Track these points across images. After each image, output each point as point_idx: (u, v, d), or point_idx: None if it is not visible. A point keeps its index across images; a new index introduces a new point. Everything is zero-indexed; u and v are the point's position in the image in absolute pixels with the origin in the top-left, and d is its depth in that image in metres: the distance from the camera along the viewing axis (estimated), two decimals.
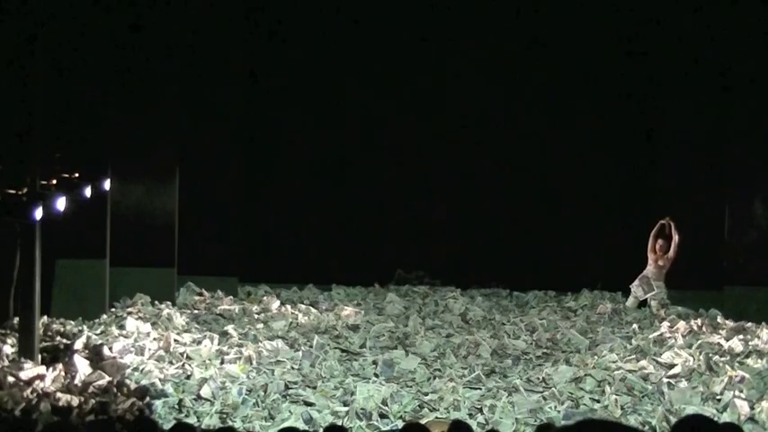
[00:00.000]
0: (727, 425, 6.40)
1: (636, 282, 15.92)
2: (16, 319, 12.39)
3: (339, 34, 17.61)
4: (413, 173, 17.88)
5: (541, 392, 11.29)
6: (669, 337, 13.44)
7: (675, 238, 15.77)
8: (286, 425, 9.95)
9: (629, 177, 17.68)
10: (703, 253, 16.19)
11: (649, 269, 15.91)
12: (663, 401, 11.07)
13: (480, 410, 10.83)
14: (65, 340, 12.62)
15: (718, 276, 16.01)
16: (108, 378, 10.99)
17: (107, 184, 14.41)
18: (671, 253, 15.84)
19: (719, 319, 14.72)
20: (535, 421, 10.38)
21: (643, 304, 15.83)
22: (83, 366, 11.26)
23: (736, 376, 11.41)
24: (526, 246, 17.69)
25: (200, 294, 15.87)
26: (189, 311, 14.77)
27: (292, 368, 11.79)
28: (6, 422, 8.82)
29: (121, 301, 14.84)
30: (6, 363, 11.29)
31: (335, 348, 12.74)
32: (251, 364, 11.83)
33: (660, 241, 15.88)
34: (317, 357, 12.09)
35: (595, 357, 12.48)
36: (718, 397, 11.11)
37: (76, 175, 12.98)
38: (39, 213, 11.05)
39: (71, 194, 12.26)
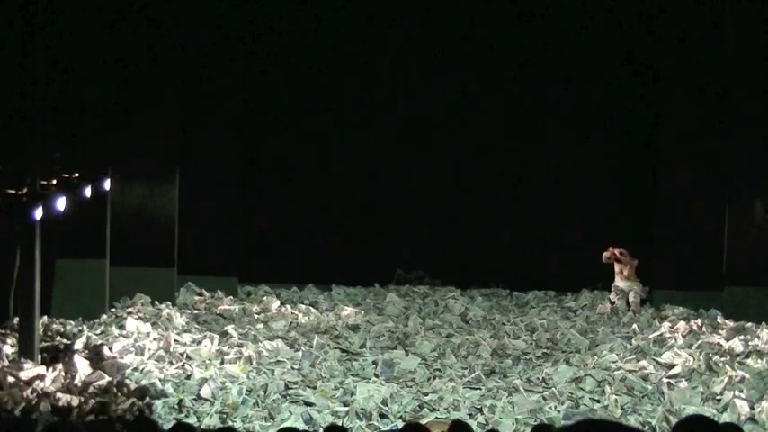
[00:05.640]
0: (727, 425, 6.39)
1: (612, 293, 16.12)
2: (16, 319, 12.39)
3: (339, 33, 17.59)
4: (413, 173, 17.85)
5: (541, 392, 11.29)
6: (669, 337, 13.45)
7: (627, 259, 15.97)
8: (286, 425, 9.96)
9: (630, 178, 17.66)
10: (703, 253, 16.20)
11: (618, 282, 16.02)
12: (663, 401, 11.07)
13: (480, 410, 10.82)
14: (65, 340, 12.63)
15: (718, 276, 16.01)
16: (108, 378, 10.98)
17: (107, 184, 14.40)
18: (625, 263, 16.01)
19: (719, 319, 14.73)
20: (535, 421, 10.37)
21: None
22: (83, 366, 11.26)
23: (736, 376, 11.41)
24: (526, 246, 17.67)
25: (200, 294, 15.87)
26: (189, 311, 14.77)
27: (292, 368, 11.80)
28: (6, 422, 8.81)
29: (121, 301, 14.85)
30: (6, 363, 11.28)
31: (335, 348, 12.74)
32: (251, 364, 11.83)
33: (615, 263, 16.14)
34: (317, 357, 12.09)
35: (595, 357, 12.48)
36: (718, 397, 11.11)
37: (76, 175, 12.97)
38: (39, 213, 11.06)
39: (71, 194, 12.25)
